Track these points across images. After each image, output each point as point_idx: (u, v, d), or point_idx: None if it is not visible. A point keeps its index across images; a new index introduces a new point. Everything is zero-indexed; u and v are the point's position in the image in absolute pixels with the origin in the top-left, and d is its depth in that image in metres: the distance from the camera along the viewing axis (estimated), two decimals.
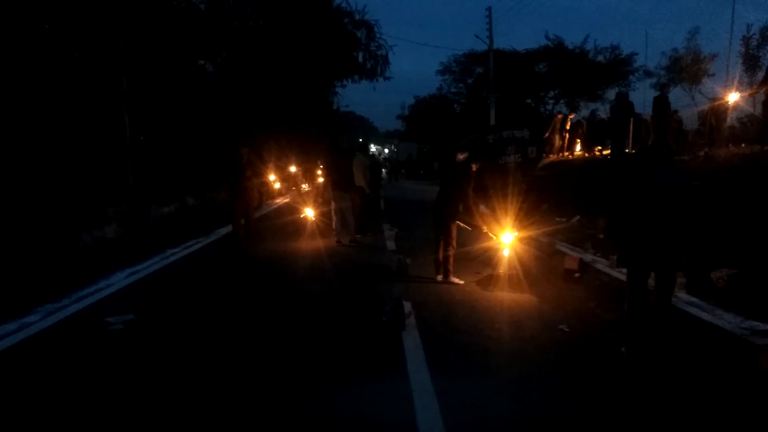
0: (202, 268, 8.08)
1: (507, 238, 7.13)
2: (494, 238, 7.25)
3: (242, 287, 6.91)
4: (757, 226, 6.81)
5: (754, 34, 21.67)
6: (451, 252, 7.00)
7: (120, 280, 6.99)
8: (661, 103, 14.32)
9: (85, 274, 7.09)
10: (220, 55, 20.93)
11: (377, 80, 24.66)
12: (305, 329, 5.15)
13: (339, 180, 9.93)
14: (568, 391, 3.79)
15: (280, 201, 19.24)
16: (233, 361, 4.32)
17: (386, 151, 66.30)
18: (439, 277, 7.03)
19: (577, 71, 30.42)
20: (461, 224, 7.22)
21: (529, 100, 34.68)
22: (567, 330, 5.08)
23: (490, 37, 28.78)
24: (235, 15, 20.92)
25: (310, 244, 10.04)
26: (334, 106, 31.57)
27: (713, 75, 23.86)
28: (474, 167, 7.09)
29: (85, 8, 12.16)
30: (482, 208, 7.31)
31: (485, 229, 7.22)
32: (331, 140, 27.39)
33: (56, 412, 3.45)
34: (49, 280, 6.72)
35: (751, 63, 20.12)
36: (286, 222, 13.40)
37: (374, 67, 24.11)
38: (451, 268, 7.03)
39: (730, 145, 12.15)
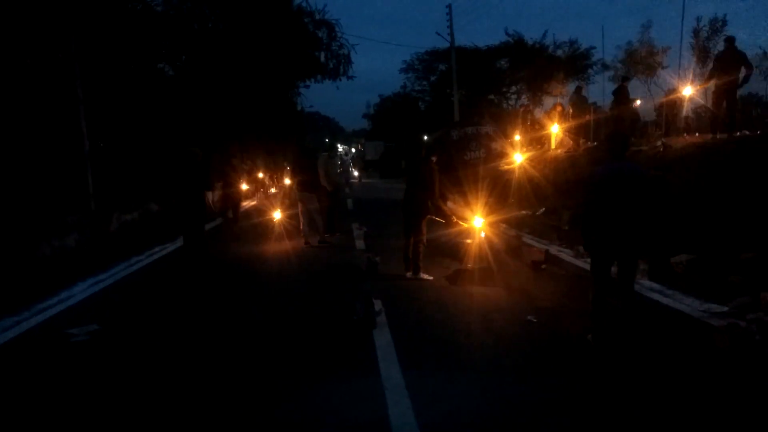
0: (168, 275, 7.93)
1: (477, 223, 7.32)
2: (465, 224, 7.40)
3: (210, 292, 6.81)
4: (712, 212, 7.06)
5: (704, 26, 22.46)
6: (421, 248, 7.04)
7: (82, 290, 6.80)
8: (621, 93, 14.68)
9: (45, 285, 6.87)
10: (180, 58, 20.55)
11: (340, 80, 24.56)
12: (276, 331, 5.11)
13: (305, 181, 9.86)
14: (538, 381, 3.86)
15: (247, 204, 19.01)
16: (202, 366, 4.26)
17: (353, 150, 66.26)
18: (409, 274, 7.07)
19: (537, 66, 30.95)
20: (434, 218, 7.28)
21: (492, 96, 35.14)
22: (535, 320, 5.17)
23: (451, 35, 29.05)
24: (193, 17, 20.53)
25: (278, 247, 9.96)
26: (299, 107, 31.34)
27: (667, 67, 24.64)
28: (434, 160, 7.12)
29: (35, 12, 11.77)
30: (449, 203, 7.43)
31: (455, 218, 7.35)
32: (297, 141, 27.19)
33: (19, 427, 3.34)
34: (7, 292, 6.49)
35: (701, 54, 20.85)
36: (254, 224, 13.29)
37: (337, 66, 24.00)
38: (421, 264, 7.07)
39: (686, 135, 12.54)
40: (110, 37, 14.12)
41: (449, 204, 7.43)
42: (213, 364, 4.33)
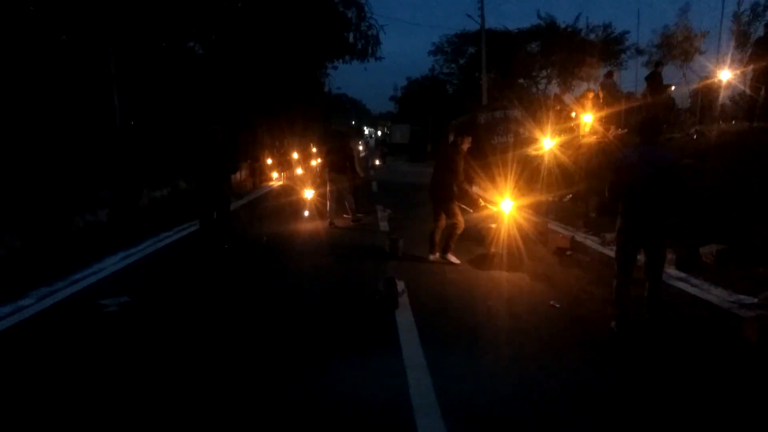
0: (195, 252, 8.09)
1: (506, 206, 7.11)
2: (492, 208, 7.28)
3: (237, 269, 6.94)
4: (745, 202, 6.89)
5: (745, 10, 21.61)
6: (456, 232, 6.93)
7: (114, 263, 7.00)
8: (654, 79, 14.31)
9: (78, 257, 7.09)
10: (209, 37, 20.68)
11: (368, 61, 24.49)
12: (300, 310, 5.20)
13: (335, 162, 9.94)
14: (559, 365, 3.86)
15: (274, 183, 19.20)
16: (229, 341, 4.37)
17: (379, 133, 66.05)
18: (431, 257, 7.07)
19: (569, 50, 30.29)
20: (461, 206, 7.19)
21: (521, 80, 34.57)
22: (558, 306, 5.15)
23: (482, 17, 28.57)
24: None
25: (304, 226, 10.06)
26: (326, 89, 31.34)
27: (705, 52, 23.82)
28: (465, 145, 7.03)
29: None
30: (475, 188, 7.33)
31: (482, 202, 7.25)
32: (326, 123, 27.25)
33: (53, 393, 3.49)
34: (43, 264, 6.72)
35: (741, 40, 20.10)
36: (281, 204, 13.42)
37: (365, 47, 23.91)
38: (452, 245, 7.02)
39: (721, 122, 12.18)
40: (143, 14, 14.28)
41: (475, 188, 7.30)
42: (238, 339, 4.44)
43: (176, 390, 3.50)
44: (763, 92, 9.82)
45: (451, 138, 7.35)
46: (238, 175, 19.74)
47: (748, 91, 10.84)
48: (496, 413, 3.17)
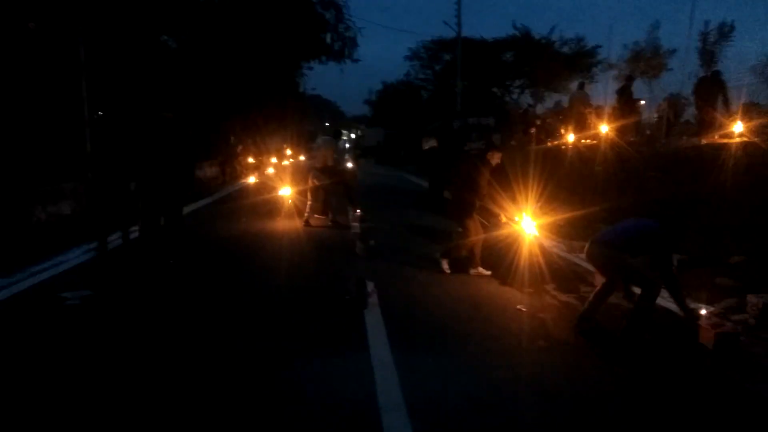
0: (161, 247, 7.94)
1: (528, 227, 6.47)
2: (514, 225, 6.73)
3: (206, 267, 6.84)
4: (704, 213, 7.12)
5: (711, 30, 22.38)
6: (476, 249, 6.63)
7: (76, 256, 6.83)
8: (624, 93, 14.69)
9: (39, 250, 6.89)
10: (184, 31, 20.38)
11: (345, 62, 24.50)
12: (268, 309, 5.16)
13: (321, 162, 9.95)
14: (525, 367, 3.91)
15: (248, 181, 18.99)
16: (193, 339, 4.30)
17: (353, 135, 66.01)
18: (473, 271, 6.64)
19: (542, 61, 30.84)
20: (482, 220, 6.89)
21: (495, 89, 35.03)
22: (524, 310, 5.23)
23: (459, 25, 28.93)
24: None
25: (276, 225, 9.98)
26: (301, 89, 31.19)
27: (672, 69, 24.57)
28: (495, 160, 6.61)
29: None
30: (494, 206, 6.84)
31: (504, 218, 6.71)
32: (300, 123, 27.09)
33: (9, 386, 3.38)
34: (1, 255, 6.50)
35: (706, 59, 20.81)
36: (254, 202, 13.28)
37: (342, 48, 23.94)
38: (476, 257, 6.66)
39: (685, 137, 12.61)
40: (115, 5, 13.99)
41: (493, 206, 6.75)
42: (202, 337, 4.38)
43: (136, 386, 3.43)
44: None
45: (427, 145, 7.32)
46: (206, 171, 19.54)
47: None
48: (462, 413, 3.20)
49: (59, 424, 2.97)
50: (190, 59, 19.28)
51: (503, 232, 6.92)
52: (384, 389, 3.43)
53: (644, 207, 7.41)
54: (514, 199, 6.91)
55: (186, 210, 11.29)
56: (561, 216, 8.12)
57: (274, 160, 24.62)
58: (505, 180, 7.29)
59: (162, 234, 6.52)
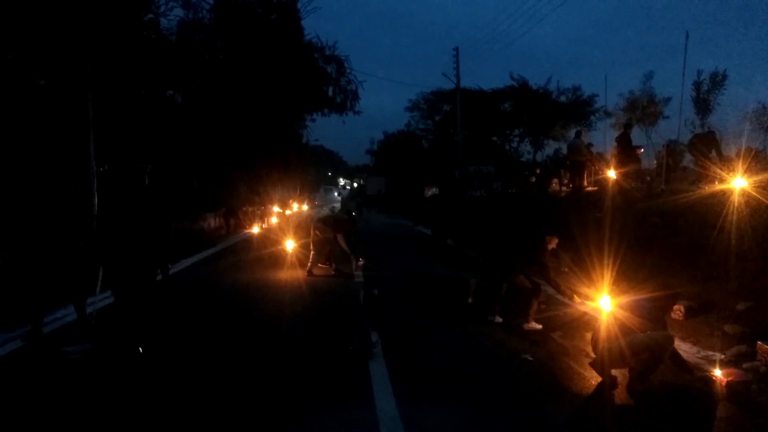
0: (169, 297, 7.92)
1: (605, 304, 5.54)
2: (588, 304, 6.38)
3: (210, 317, 6.80)
4: (706, 261, 7.11)
5: (704, 79, 22.96)
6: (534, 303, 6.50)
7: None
8: (623, 139, 14.89)
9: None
10: (189, 86, 20.97)
11: (347, 114, 25.04)
12: (271, 360, 5.09)
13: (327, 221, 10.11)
14: (532, 417, 3.84)
15: (252, 232, 19.07)
16: (199, 391, 4.24)
17: (355, 184, 66.64)
18: (527, 326, 6.39)
19: (540, 111, 31.47)
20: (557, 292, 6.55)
21: (494, 138, 35.61)
22: (531, 359, 5.15)
23: (457, 76, 29.64)
24: (205, 48, 21.07)
25: (280, 275, 9.96)
26: (304, 140, 31.74)
27: (668, 117, 25.08)
28: (552, 245, 6.48)
29: (53, 34, 12.09)
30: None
31: (577, 297, 6.37)
32: (303, 174, 27.40)
33: None
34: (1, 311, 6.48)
35: (701, 107, 21.27)
36: (258, 253, 13.29)
37: (344, 101, 24.49)
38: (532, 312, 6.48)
39: (685, 183, 12.74)
40: (124, 62, 14.45)
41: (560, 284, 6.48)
42: (208, 389, 4.31)
43: None
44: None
45: (429, 192, 7.40)
46: (210, 222, 19.65)
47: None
48: None
49: None
50: (196, 112, 19.75)
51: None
52: None
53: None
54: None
55: (185, 263, 11.41)
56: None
57: (277, 209, 24.82)
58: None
59: (133, 311, 5.23)
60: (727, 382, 4.27)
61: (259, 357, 5.17)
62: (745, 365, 4.79)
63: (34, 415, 3.74)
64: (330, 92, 24.29)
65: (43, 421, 3.64)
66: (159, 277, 5.57)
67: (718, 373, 4.48)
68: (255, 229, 19.36)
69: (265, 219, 22.76)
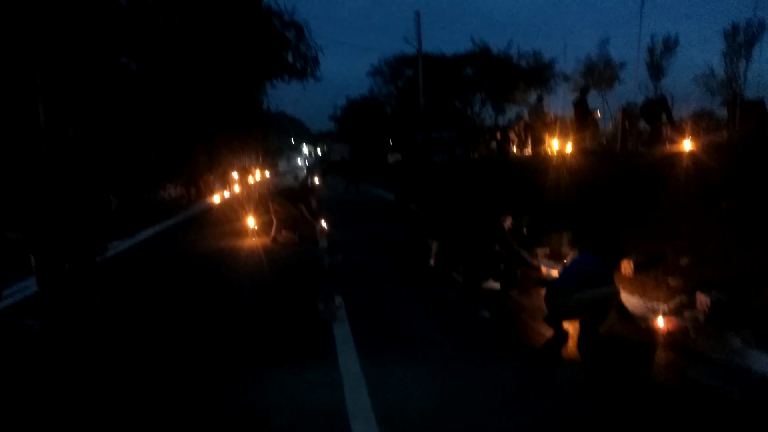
0: (135, 265, 7.87)
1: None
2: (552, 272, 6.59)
3: (173, 285, 6.81)
4: (656, 219, 7.46)
5: (657, 43, 23.45)
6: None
7: None
8: (581, 104, 15.21)
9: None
10: (144, 53, 20.25)
11: (307, 80, 24.68)
12: (235, 325, 5.18)
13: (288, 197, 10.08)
14: (488, 370, 4.05)
15: (213, 201, 18.84)
16: (160, 355, 4.31)
17: (319, 151, 66.00)
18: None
19: (501, 75, 31.67)
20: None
21: (457, 103, 35.75)
22: (488, 317, 5.38)
23: (419, 41, 29.44)
24: (158, 12, 20.31)
25: (242, 243, 9.96)
26: (265, 107, 31.19)
27: (624, 82, 25.63)
28: (507, 223, 6.79)
29: None
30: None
31: (543, 268, 6.76)
32: (264, 141, 27.02)
33: None
34: None
35: (654, 71, 21.80)
36: (219, 221, 13.20)
37: (304, 67, 24.11)
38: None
39: (640, 146, 13.13)
40: (72, 27, 13.85)
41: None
42: (168, 352, 4.39)
43: (107, 404, 3.44)
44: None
45: (392, 159, 7.49)
46: (170, 192, 19.31)
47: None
48: (430, 420, 3.31)
49: None
50: (151, 80, 19.14)
51: None
52: (352, 398, 3.52)
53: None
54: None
55: (147, 233, 11.26)
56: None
57: (237, 177, 24.51)
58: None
59: (68, 285, 4.86)
60: (667, 330, 4.58)
61: (222, 321, 5.25)
62: (685, 314, 5.13)
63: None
64: (290, 58, 23.88)
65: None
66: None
67: (660, 322, 4.81)
68: (216, 198, 19.14)
69: (227, 187, 22.48)
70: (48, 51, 12.05)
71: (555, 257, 7.82)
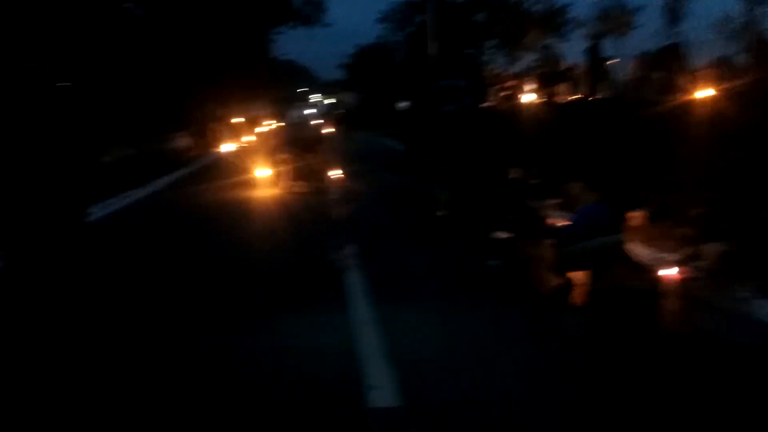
0: (146, 217, 8.01)
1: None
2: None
3: (184, 236, 6.94)
4: (670, 170, 7.41)
5: None
6: None
7: None
8: (593, 52, 14.80)
9: None
10: None
11: (314, 27, 24.14)
12: (250, 273, 5.32)
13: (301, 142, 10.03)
14: (497, 319, 4.17)
15: (222, 151, 18.84)
16: (173, 302, 4.51)
17: (333, 100, 65.02)
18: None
19: (513, 21, 30.77)
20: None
21: (469, 50, 34.91)
22: (497, 266, 5.47)
23: None
24: None
25: (253, 194, 10.04)
26: (271, 55, 30.66)
27: (641, 26, 24.82)
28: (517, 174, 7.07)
29: None
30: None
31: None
32: (272, 89, 26.73)
33: None
34: None
35: (671, 17, 21.08)
36: (227, 171, 13.25)
37: (311, 13, 23.53)
38: None
39: (652, 95, 12.89)
40: None
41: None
42: (182, 298, 4.57)
43: (113, 343, 3.60)
44: None
45: (401, 107, 7.41)
46: (178, 142, 19.26)
47: None
48: (438, 360, 3.43)
49: None
50: (156, 27, 18.82)
51: None
52: (365, 341, 3.65)
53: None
54: None
55: (158, 185, 11.35)
56: None
57: (247, 126, 24.37)
58: None
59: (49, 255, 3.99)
60: (675, 280, 4.65)
61: (235, 270, 5.40)
62: (693, 264, 5.18)
63: None
64: (296, 4, 23.27)
65: None
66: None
67: (668, 272, 4.87)
68: (226, 148, 19.13)
69: (237, 137, 22.41)
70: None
71: (567, 208, 7.82)
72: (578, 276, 4.88)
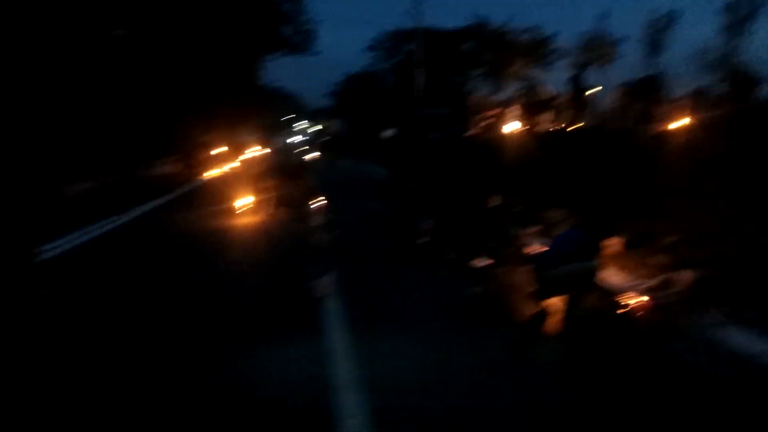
0: (127, 244, 7.99)
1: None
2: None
3: (165, 263, 6.94)
4: (646, 198, 7.57)
5: (657, 19, 23.25)
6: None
7: None
8: (576, 81, 15.19)
9: None
10: (137, 25, 20.01)
11: (304, 55, 24.50)
12: (229, 300, 5.33)
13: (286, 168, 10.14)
14: (473, 344, 4.21)
15: (208, 177, 18.89)
16: (149, 331, 4.50)
17: (316, 127, 65.43)
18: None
19: (500, 50, 31.41)
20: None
21: (456, 78, 35.48)
22: (478, 293, 5.53)
23: (419, 16, 29.00)
24: None
25: (237, 219, 10.06)
26: (261, 82, 30.94)
27: (624, 57, 25.45)
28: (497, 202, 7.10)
29: None
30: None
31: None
32: (261, 116, 26.89)
33: None
34: None
35: (651, 48, 21.68)
36: (213, 197, 13.28)
37: (301, 41, 23.89)
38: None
39: (632, 124, 13.16)
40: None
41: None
42: (159, 326, 4.60)
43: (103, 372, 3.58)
44: None
45: (387, 135, 7.55)
46: (166, 167, 19.29)
47: None
48: (417, 389, 3.46)
49: None
50: (146, 54, 18.98)
51: None
52: (343, 370, 3.67)
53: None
54: None
55: (142, 210, 11.34)
56: None
57: (234, 153, 24.41)
58: None
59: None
60: (650, 307, 4.73)
61: (214, 298, 5.41)
62: (668, 291, 5.28)
63: None
64: (286, 32, 23.65)
65: None
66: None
67: (643, 299, 4.95)
68: (211, 174, 19.17)
69: (223, 163, 22.46)
70: (39, 26, 11.92)
71: (546, 235, 7.94)
72: (554, 303, 4.96)
